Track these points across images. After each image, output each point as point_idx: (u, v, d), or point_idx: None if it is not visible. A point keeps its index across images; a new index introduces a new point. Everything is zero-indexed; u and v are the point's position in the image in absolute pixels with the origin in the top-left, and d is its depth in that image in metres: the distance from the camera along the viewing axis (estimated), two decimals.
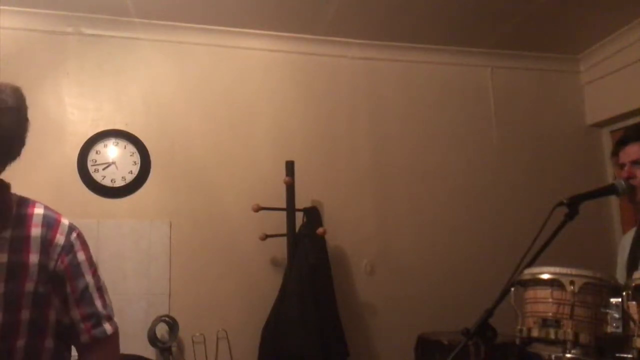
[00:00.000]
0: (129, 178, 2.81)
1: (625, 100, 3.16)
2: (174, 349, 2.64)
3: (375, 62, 3.26)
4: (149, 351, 2.59)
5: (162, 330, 2.63)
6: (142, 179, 2.83)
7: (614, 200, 3.35)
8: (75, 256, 1.25)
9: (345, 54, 3.21)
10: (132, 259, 2.75)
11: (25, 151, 1.24)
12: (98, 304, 1.26)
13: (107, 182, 2.78)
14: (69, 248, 1.24)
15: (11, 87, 1.22)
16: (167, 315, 2.66)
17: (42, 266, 1.19)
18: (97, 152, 2.80)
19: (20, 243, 1.19)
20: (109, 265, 2.70)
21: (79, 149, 2.78)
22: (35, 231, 1.21)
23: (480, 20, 3.00)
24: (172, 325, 2.63)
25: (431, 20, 3.00)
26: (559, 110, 3.49)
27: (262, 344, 2.67)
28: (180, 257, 2.82)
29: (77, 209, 2.71)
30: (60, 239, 1.24)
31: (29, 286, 1.17)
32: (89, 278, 1.26)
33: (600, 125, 3.47)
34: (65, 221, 1.28)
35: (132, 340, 2.59)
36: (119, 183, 2.80)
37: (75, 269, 1.24)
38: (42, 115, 2.75)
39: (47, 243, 1.21)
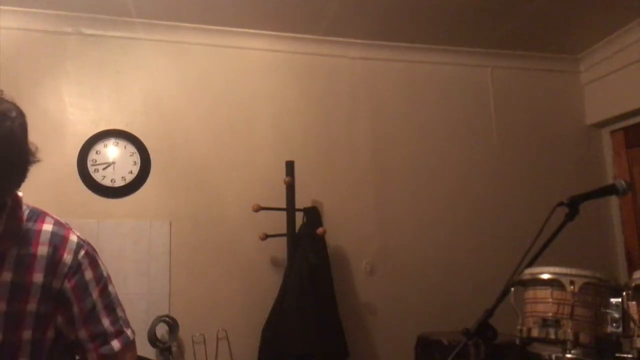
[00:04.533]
0: (129, 178, 2.81)
1: (625, 100, 3.17)
2: (174, 349, 2.64)
3: (375, 62, 3.26)
4: (149, 351, 2.59)
5: (162, 330, 2.63)
6: (142, 179, 2.83)
7: (614, 200, 3.35)
8: (82, 275, 1.23)
9: (345, 54, 3.21)
10: (132, 259, 2.75)
11: None
12: (105, 322, 1.25)
13: (107, 182, 2.78)
14: (76, 267, 1.22)
15: (14, 106, 1.14)
16: (167, 315, 2.66)
17: (47, 286, 1.18)
18: (97, 152, 2.80)
19: (26, 262, 1.17)
20: (109, 266, 2.65)
21: (79, 149, 2.77)
22: (42, 250, 1.19)
23: (480, 20, 3.00)
24: (172, 325, 2.63)
25: (431, 20, 3.00)
26: (559, 110, 3.49)
27: (262, 343, 2.67)
28: (180, 257, 2.82)
29: (77, 209, 2.71)
30: (67, 258, 1.21)
31: (31, 306, 1.16)
32: (95, 297, 1.24)
33: (600, 125, 3.47)
34: (73, 238, 1.25)
35: None
36: (119, 183, 2.80)
37: (82, 289, 1.23)
38: (42, 115, 2.75)
39: (54, 262, 1.19)
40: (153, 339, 2.57)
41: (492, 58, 3.41)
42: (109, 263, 2.70)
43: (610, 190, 1.80)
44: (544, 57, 3.46)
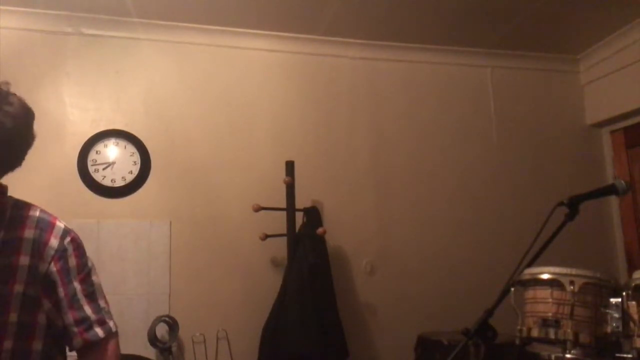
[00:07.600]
0: (129, 178, 2.81)
1: (625, 100, 3.17)
2: (174, 349, 2.64)
3: (375, 62, 3.26)
4: (149, 351, 2.59)
5: (162, 330, 2.63)
6: (142, 179, 2.83)
7: (614, 200, 3.36)
8: (67, 261, 1.25)
9: (345, 54, 3.21)
10: (132, 259, 2.74)
11: None
12: (87, 309, 1.26)
13: (107, 182, 2.78)
14: (62, 252, 1.25)
15: (20, 99, 1.26)
16: (167, 315, 2.66)
17: (33, 268, 1.20)
18: (97, 152, 2.80)
19: (13, 245, 1.19)
20: (109, 265, 2.70)
21: (79, 149, 2.77)
22: (29, 233, 1.22)
23: (480, 20, 3.00)
24: (172, 325, 2.63)
25: (431, 20, 3.00)
26: (559, 110, 3.49)
27: (262, 344, 2.67)
28: (180, 257, 2.82)
29: (77, 209, 2.71)
30: (54, 242, 1.24)
31: (18, 288, 1.17)
32: (76, 284, 1.26)
33: (600, 125, 3.46)
34: (60, 224, 1.28)
35: (132, 340, 2.59)
36: (119, 183, 2.80)
37: (66, 274, 1.25)
38: (42, 115, 2.72)
39: (40, 246, 1.22)
40: (153, 339, 2.57)
41: (492, 58, 3.41)
42: (109, 263, 2.73)
43: (610, 190, 1.80)
44: (544, 57, 3.46)
